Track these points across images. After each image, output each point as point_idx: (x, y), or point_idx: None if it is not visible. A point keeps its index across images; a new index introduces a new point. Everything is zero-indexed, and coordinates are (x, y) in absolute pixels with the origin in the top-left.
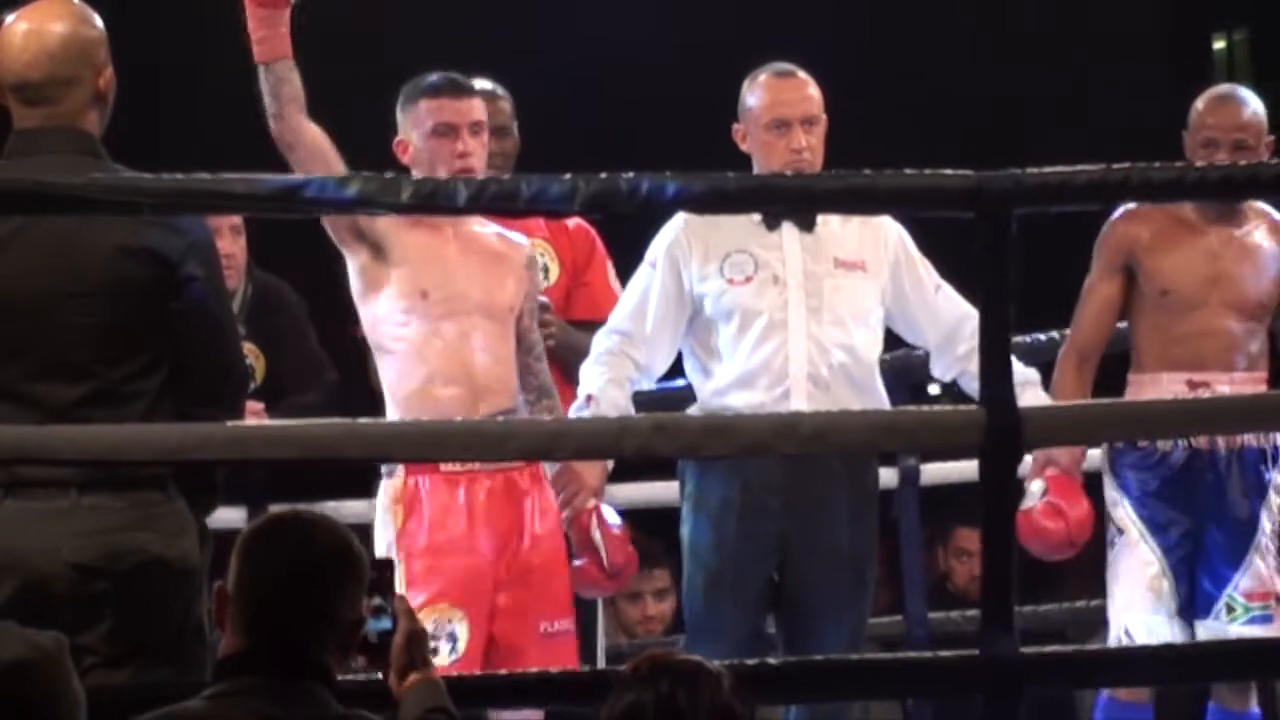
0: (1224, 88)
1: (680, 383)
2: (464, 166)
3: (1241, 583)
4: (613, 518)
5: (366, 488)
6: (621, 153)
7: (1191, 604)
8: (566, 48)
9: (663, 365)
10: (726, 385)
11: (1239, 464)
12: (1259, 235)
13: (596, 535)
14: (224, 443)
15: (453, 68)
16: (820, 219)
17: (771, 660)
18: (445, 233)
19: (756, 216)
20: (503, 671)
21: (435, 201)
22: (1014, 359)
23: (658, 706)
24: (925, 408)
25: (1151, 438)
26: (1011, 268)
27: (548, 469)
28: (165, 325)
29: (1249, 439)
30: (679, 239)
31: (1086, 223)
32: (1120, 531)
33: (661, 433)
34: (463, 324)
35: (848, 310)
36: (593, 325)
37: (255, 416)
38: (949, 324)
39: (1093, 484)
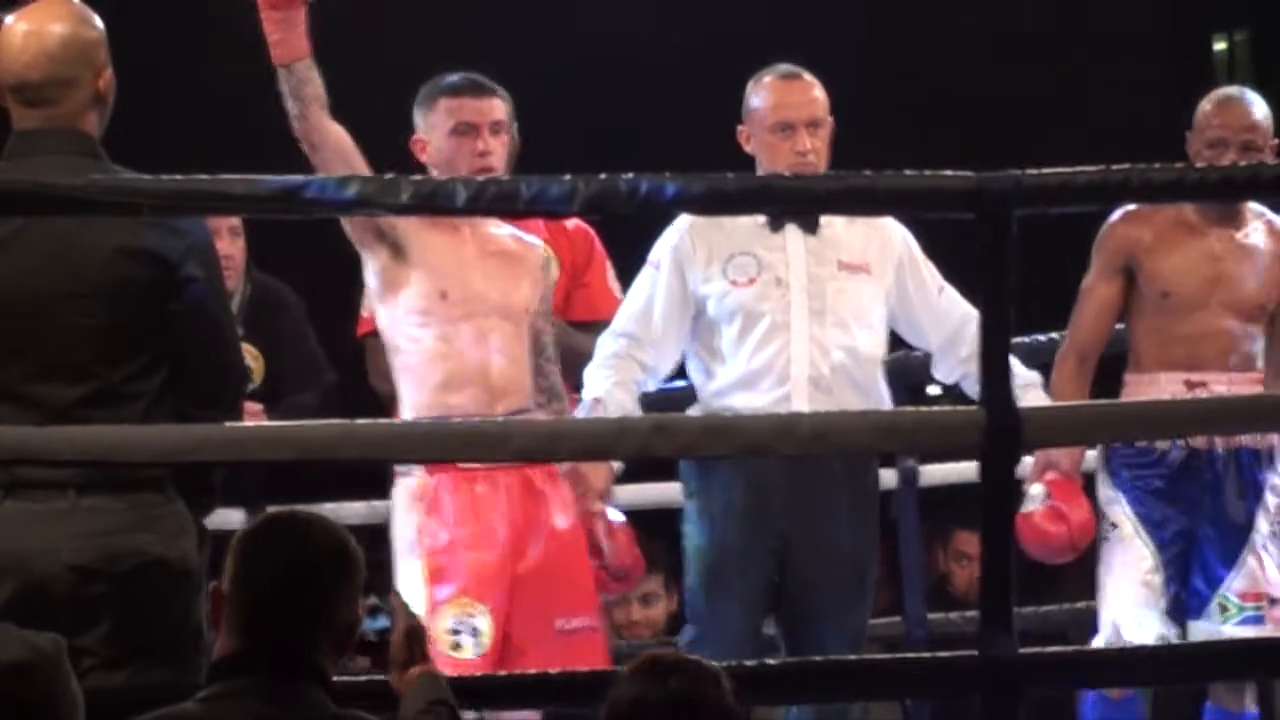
0: (1231, 89)
1: (681, 384)
2: (484, 165)
3: (1235, 583)
4: (619, 520)
5: (365, 489)
6: (621, 153)
7: (1182, 604)
8: (566, 48)
9: (668, 367)
10: (728, 386)
11: (1235, 464)
12: (1258, 236)
13: (603, 538)
14: (222, 444)
15: (452, 67)
16: (824, 221)
17: (771, 661)
18: (463, 233)
19: (761, 218)
20: (501, 673)
21: (434, 202)
22: (1015, 361)
23: (655, 705)
24: (925, 408)
25: (1151, 438)
26: (1011, 268)
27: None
28: (164, 326)
29: (1246, 440)
30: (683, 240)
31: (1085, 223)
32: (1114, 526)
33: (661, 433)
34: (481, 325)
35: (851, 312)
36: (592, 326)
37: (254, 418)
38: (952, 327)
39: (1088, 483)
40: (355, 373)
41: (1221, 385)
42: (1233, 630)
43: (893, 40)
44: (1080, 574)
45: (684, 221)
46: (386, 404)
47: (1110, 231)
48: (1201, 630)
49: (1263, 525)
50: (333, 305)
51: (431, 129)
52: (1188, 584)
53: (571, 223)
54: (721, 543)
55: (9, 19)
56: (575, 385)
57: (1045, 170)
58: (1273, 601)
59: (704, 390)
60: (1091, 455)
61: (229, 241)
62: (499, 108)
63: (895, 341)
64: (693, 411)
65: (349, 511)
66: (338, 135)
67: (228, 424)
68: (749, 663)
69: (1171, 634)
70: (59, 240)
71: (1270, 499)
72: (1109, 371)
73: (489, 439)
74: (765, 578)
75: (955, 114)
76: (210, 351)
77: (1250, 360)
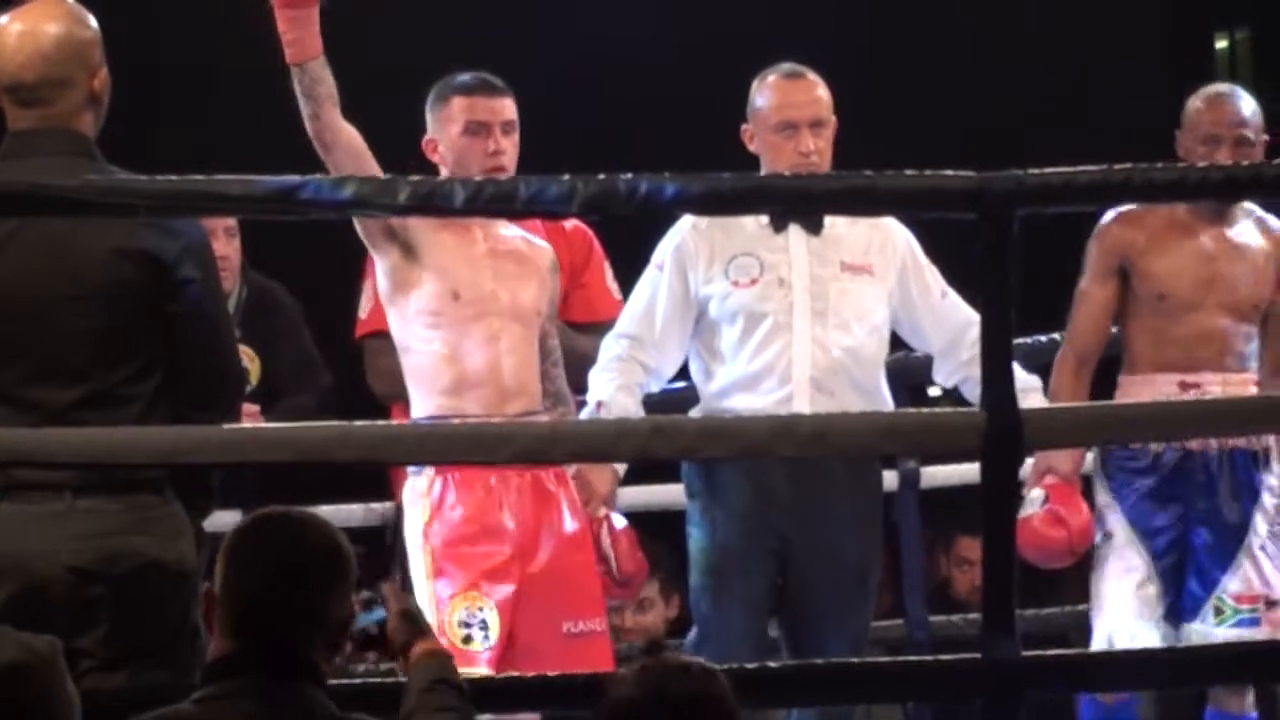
0: (1221, 86)
1: (681, 384)
2: (495, 165)
3: (1231, 585)
4: (623, 526)
5: (363, 491)
6: (620, 153)
7: (1178, 608)
8: (566, 48)
9: (672, 368)
10: (729, 387)
11: (1229, 466)
12: (1250, 235)
13: (607, 544)
14: (219, 446)
15: (452, 68)
16: (828, 222)
17: (772, 663)
18: (474, 234)
19: (764, 219)
20: (500, 675)
21: (431, 203)
22: (1015, 365)
23: (654, 706)
24: (925, 410)
25: (1152, 440)
26: (1013, 269)
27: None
28: (161, 328)
29: (1240, 441)
30: (685, 241)
31: (1085, 224)
32: (1109, 536)
33: (659, 435)
34: (492, 326)
35: (853, 314)
36: (590, 327)
37: (251, 419)
38: (954, 330)
39: (1086, 487)
40: (352, 374)
41: (1215, 386)
42: (1227, 633)
43: (893, 40)
44: (1081, 577)
45: (687, 222)
46: (384, 405)
47: (1103, 233)
48: (1196, 633)
49: (1260, 526)
50: (330, 306)
51: (443, 128)
52: (1183, 588)
53: (570, 223)
54: (724, 544)
55: (3, 19)
56: (575, 387)
57: (1047, 170)
58: (1270, 604)
59: (705, 391)
60: (1089, 459)
61: (225, 242)
62: (510, 107)
63: (895, 342)
64: (695, 413)
65: (347, 514)
66: (350, 135)
67: (225, 426)
68: (750, 665)
69: (1167, 643)
70: (55, 242)
71: (1268, 500)
72: (1110, 374)
73: (487, 441)
74: (768, 579)
75: (955, 114)
76: (207, 353)
77: (1245, 360)
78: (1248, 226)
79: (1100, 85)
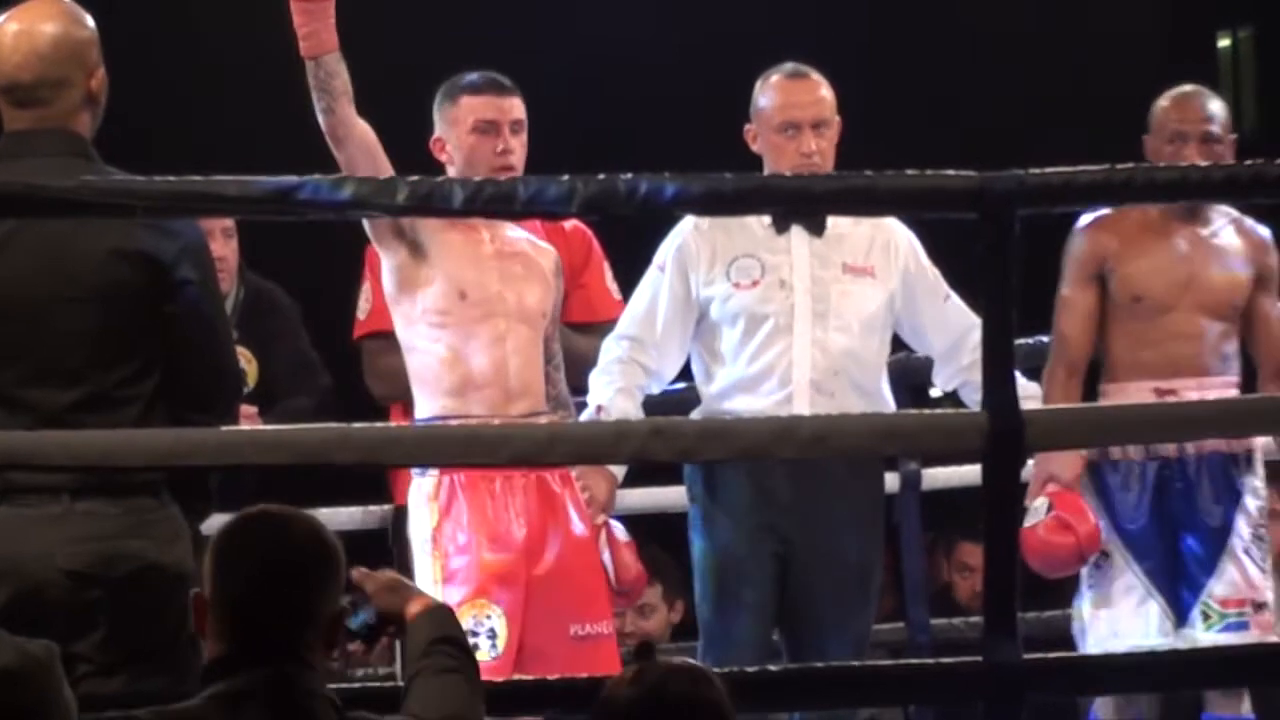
0: (1187, 86)
1: (681, 386)
2: (504, 164)
3: (1216, 589)
4: (622, 534)
5: (362, 493)
6: (620, 153)
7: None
8: (566, 48)
9: (673, 369)
10: (730, 389)
11: (1208, 470)
12: (1226, 235)
13: (605, 552)
14: (217, 448)
15: (453, 68)
16: (830, 224)
17: (774, 667)
18: (482, 235)
19: (767, 220)
20: (500, 679)
21: (430, 203)
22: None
23: (650, 707)
24: (927, 411)
25: (1155, 442)
26: (1014, 269)
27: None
28: (159, 329)
29: (1220, 444)
30: (687, 242)
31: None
32: (1105, 556)
33: (659, 437)
34: (498, 327)
35: (855, 316)
36: (590, 328)
37: (249, 421)
38: (956, 334)
39: None
40: (351, 375)
41: (1192, 392)
42: (1215, 637)
43: (892, 40)
44: None
45: (689, 223)
46: (382, 406)
47: (1079, 241)
48: (1187, 639)
49: (1243, 529)
50: (328, 307)
51: (451, 127)
52: (1176, 596)
53: (569, 223)
54: (726, 550)
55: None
56: (574, 388)
57: (1048, 170)
58: (1257, 606)
59: (706, 393)
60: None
61: (222, 243)
62: (519, 106)
63: (896, 343)
64: (696, 414)
65: (346, 516)
66: (363, 131)
67: (222, 428)
68: (751, 669)
69: None
70: (52, 243)
71: (1250, 502)
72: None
73: (485, 443)
74: (771, 583)
75: (955, 114)
76: (204, 354)
77: (1225, 361)
78: (1223, 227)
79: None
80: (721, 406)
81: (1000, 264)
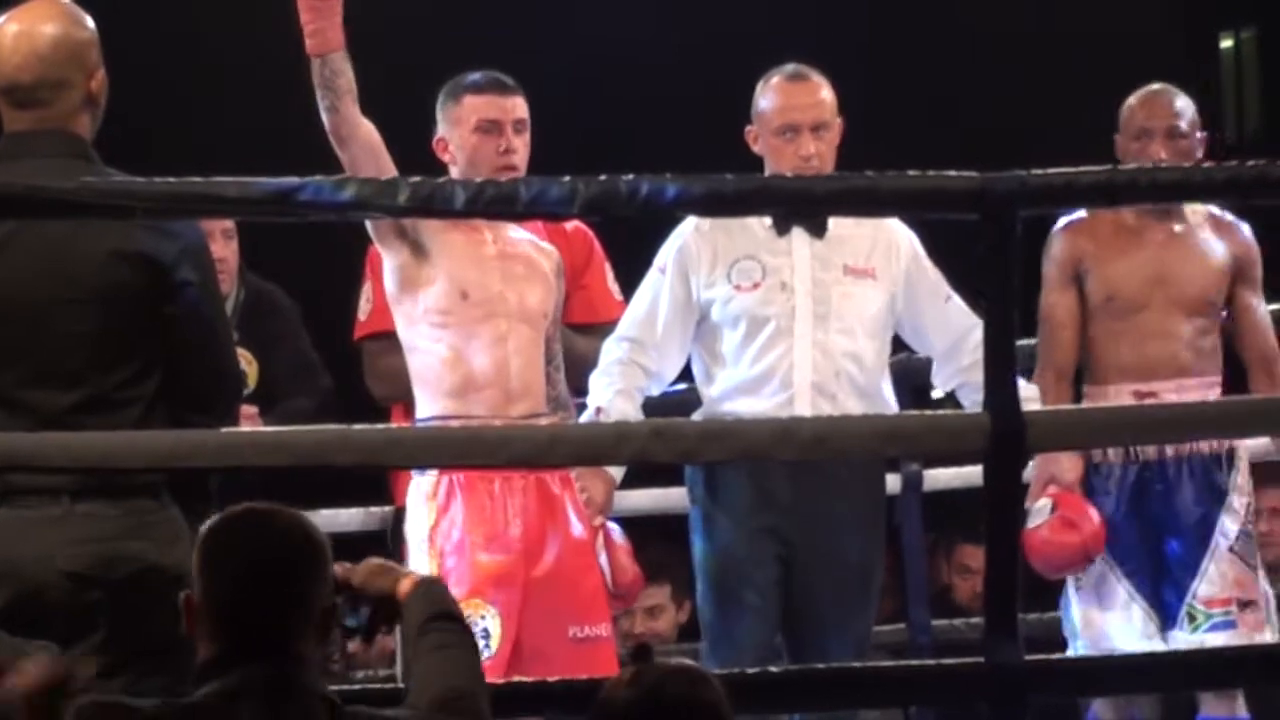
0: (1154, 85)
1: (682, 387)
2: (506, 164)
3: (1200, 590)
4: (619, 537)
5: (362, 495)
6: (621, 154)
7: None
8: (566, 48)
9: (673, 371)
10: (731, 391)
11: (1189, 471)
12: (1201, 231)
13: (602, 554)
14: (216, 450)
15: (453, 68)
16: (831, 225)
17: (774, 668)
18: (483, 234)
19: (768, 222)
20: (501, 681)
21: (432, 204)
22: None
23: (648, 709)
24: (928, 412)
25: (1157, 443)
26: (1016, 270)
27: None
28: (159, 331)
29: (1201, 446)
30: (688, 244)
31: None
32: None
33: (659, 438)
34: (500, 328)
35: (856, 318)
36: (591, 329)
37: (250, 421)
38: (956, 334)
39: None
40: (351, 376)
41: (1171, 395)
42: (1202, 638)
43: (892, 40)
44: None
45: (689, 225)
46: (383, 407)
47: (1056, 245)
48: (1178, 641)
49: (1229, 528)
50: (329, 308)
51: (454, 126)
52: (1160, 599)
53: (571, 224)
54: (727, 552)
55: None
56: (574, 389)
57: (1050, 170)
58: (1244, 604)
59: (707, 395)
60: None
61: (222, 244)
62: (522, 106)
63: (898, 344)
64: (697, 416)
65: (347, 517)
66: (368, 130)
67: (223, 429)
68: (751, 670)
69: None
70: (52, 244)
71: (1236, 500)
72: None
73: (485, 444)
74: (774, 584)
75: (955, 114)
76: (204, 356)
77: (1204, 360)
78: (1199, 224)
79: (1103, 86)
80: (723, 409)
81: (1001, 265)
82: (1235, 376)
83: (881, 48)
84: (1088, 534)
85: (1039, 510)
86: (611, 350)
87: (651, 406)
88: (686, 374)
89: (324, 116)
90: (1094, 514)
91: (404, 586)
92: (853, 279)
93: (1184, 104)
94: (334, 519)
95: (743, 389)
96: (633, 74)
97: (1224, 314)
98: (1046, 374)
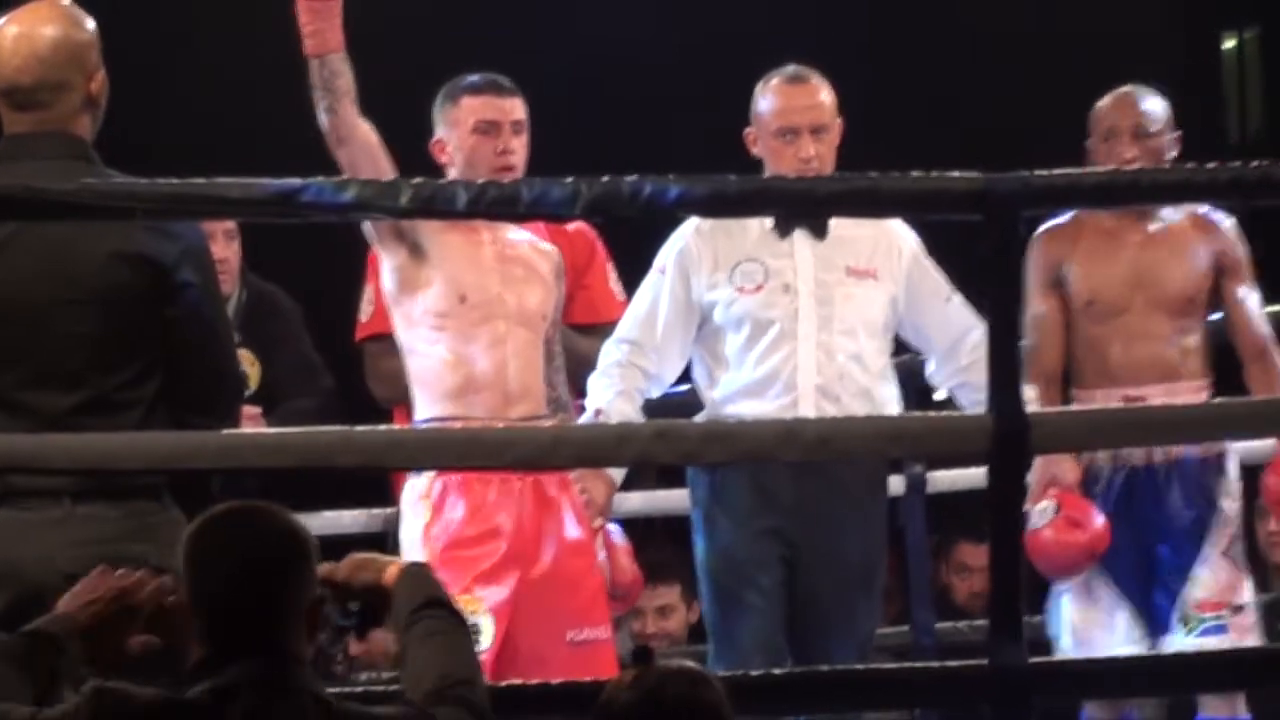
0: (1125, 86)
1: (684, 388)
2: (504, 165)
3: (1192, 594)
4: (620, 538)
5: (364, 496)
6: (622, 154)
7: (1155, 623)
8: (567, 48)
9: (673, 373)
10: (735, 394)
11: (1179, 475)
12: (1180, 230)
13: (602, 556)
14: (218, 451)
15: (453, 68)
16: (833, 226)
17: (777, 670)
18: (482, 236)
19: (768, 223)
20: (500, 684)
21: (434, 206)
22: None
23: (649, 711)
24: (932, 413)
25: (1160, 444)
26: (1019, 270)
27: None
28: (159, 332)
29: (1192, 450)
30: (688, 246)
31: None
32: None
33: (662, 439)
34: (498, 330)
35: (859, 319)
36: (593, 329)
37: (252, 421)
38: (956, 334)
39: None
40: (353, 377)
41: (1160, 399)
42: (1196, 642)
43: (893, 40)
44: None
45: (689, 226)
46: (385, 409)
47: (1035, 249)
48: (1172, 645)
49: (1221, 532)
50: (330, 309)
51: (452, 128)
52: (1149, 604)
53: (573, 225)
54: (730, 553)
55: None
56: (577, 391)
57: (1053, 171)
58: (1235, 609)
59: (710, 397)
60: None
61: (224, 245)
62: (520, 107)
63: (899, 345)
64: (699, 419)
65: (350, 519)
66: (366, 132)
67: (224, 431)
68: (754, 672)
69: None
70: (52, 246)
71: (1227, 504)
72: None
73: (488, 446)
74: (778, 585)
75: (955, 114)
76: (205, 357)
77: (1191, 362)
78: (1178, 222)
79: (1105, 86)
80: (726, 411)
81: (1005, 265)
82: (1224, 379)
83: (882, 48)
84: (1093, 534)
85: (1042, 511)
86: (610, 352)
87: (654, 408)
88: (688, 375)
89: (321, 118)
90: (1097, 514)
91: (389, 575)
92: (855, 280)
93: (1153, 104)
94: (336, 521)
95: (746, 392)
96: (634, 75)
97: (1219, 314)
98: (1036, 380)
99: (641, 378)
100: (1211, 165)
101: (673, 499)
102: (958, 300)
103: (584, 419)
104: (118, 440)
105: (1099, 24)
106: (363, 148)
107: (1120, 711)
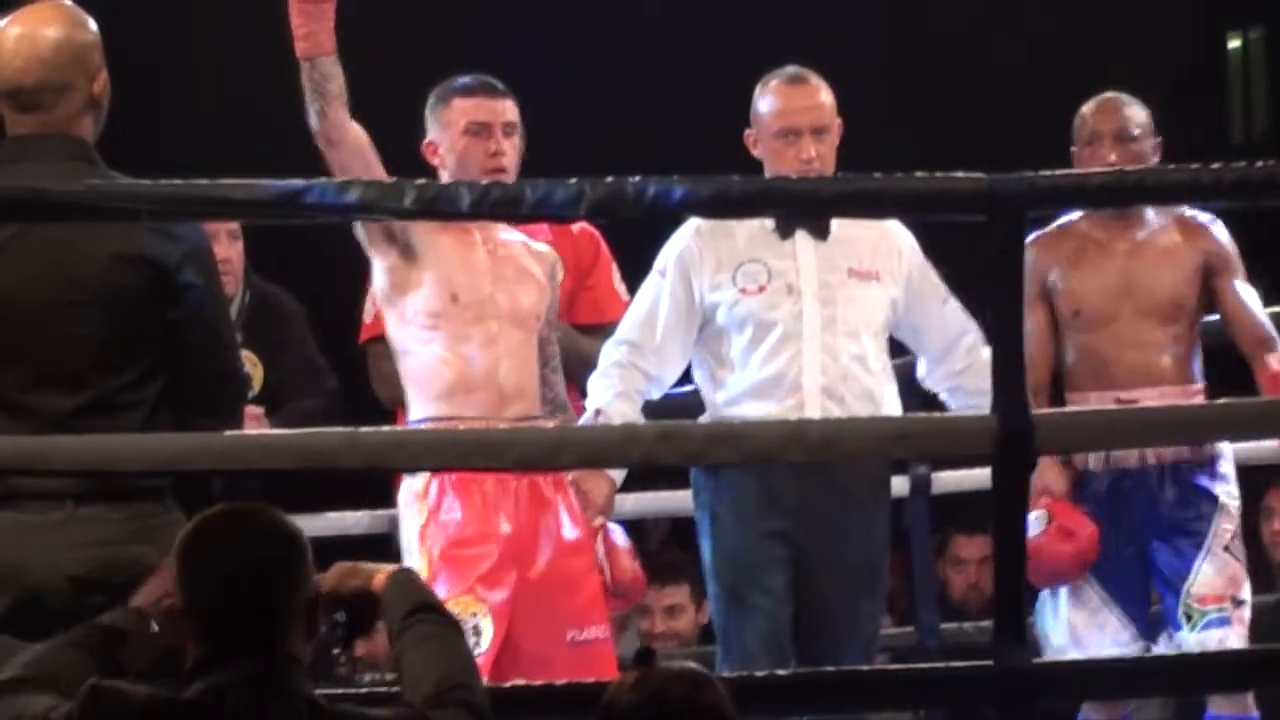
0: (1107, 93)
1: (686, 389)
2: (495, 166)
3: (1194, 588)
4: (620, 537)
5: (367, 498)
6: (624, 155)
7: (1158, 622)
8: (569, 49)
9: (673, 375)
10: (739, 395)
11: (1173, 476)
12: (1165, 235)
13: (603, 555)
14: (221, 453)
15: (453, 68)
16: (835, 227)
17: (782, 671)
18: (474, 237)
19: (770, 224)
20: (504, 685)
21: (437, 207)
22: None
23: (651, 712)
24: (936, 415)
25: (1163, 444)
26: (1023, 271)
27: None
28: (162, 333)
29: (1184, 452)
30: (689, 247)
31: None
32: None
33: (666, 440)
34: (490, 330)
35: (861, 320)
36: (596, 329)
37: (256, 421)
38: (951, 337)
39: None
40: (357, 379)
41: (1153, 402)
42: (1200, 637)
43: (893, 40)
44: None
45: (690, 228)
46: (389, 410)
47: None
48: (1177, 641)
49: (1223, 527)
50: (334, 311)
51: (444, 129)
52: (1140, 607)
53: (577, 225)
54: (736, 554)
55: (1, 22)
56: (580, 391)
57: (1058, 171)
58: (1237, 602)
59: (713, 399)
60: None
61: (227, 245)
62: (511, 109)
63: (901, 346)
64: (702, 420)
65: (353, 520)
66: (357, 134)
67: (227, 432)
68: (760, 673)
69: None
70: (55, 247)
71: (1226, 501)
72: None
73: (491, 447)
74: (784, 586)
75: (957, 114)
76: (208, 358)
77: (1183, 368)
78: (1163, 227)
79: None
80: (730, 413)
81: (1010, 266)
82: (1225, 379)
83: (883, 48)
84: (1085, 543)
85: (1035, 521)
86: (610, 353)
87: (655, 410)
88: (689, 377)
89: (312, 120)
90: (1089, 523)
91: (378, 581)
92: (857, 281)
93: (1135, 110)
94: (340, 522)
95: (751, 393)
96: (637, 76)
97: (1214, 316)
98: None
99: (641, 379)
100: (1217, 165)
101: (681, 500)
102: (954, 303)
103: (583, 419)
104: (120, 442)
105: (1104, 24)
106: (353, 150)
107: (1118, 711)
